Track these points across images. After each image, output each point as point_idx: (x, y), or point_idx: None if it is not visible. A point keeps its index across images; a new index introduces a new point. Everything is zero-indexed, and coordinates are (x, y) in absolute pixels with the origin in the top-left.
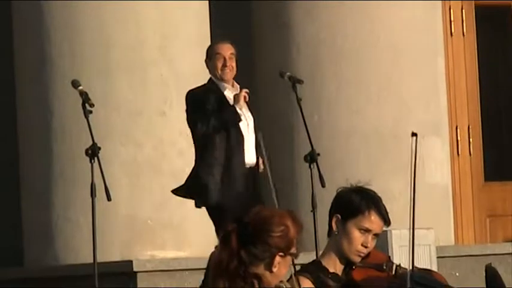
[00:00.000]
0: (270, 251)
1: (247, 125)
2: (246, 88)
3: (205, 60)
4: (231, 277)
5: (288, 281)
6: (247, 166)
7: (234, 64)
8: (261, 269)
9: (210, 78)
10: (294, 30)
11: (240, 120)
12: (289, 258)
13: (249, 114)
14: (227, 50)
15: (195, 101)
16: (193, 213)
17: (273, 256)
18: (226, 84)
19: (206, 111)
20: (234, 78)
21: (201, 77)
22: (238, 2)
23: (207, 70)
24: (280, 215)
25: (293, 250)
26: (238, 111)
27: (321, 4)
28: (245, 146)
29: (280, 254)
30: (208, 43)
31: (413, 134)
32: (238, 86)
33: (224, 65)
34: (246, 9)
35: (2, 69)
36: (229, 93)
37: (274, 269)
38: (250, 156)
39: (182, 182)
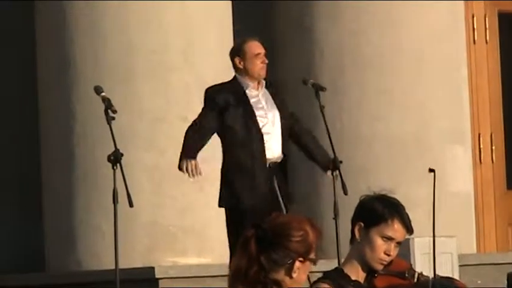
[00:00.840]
0: (290, 255)
1: (271, 122)
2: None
3: (235, 60)
4: (251, 283)
5: None
6: (270, 162)
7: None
8: (281, 275)
9: (235, 76)
10: (317, 35)
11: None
12: (308, 264)
13: (275, 111)
14: (262, 48)
15: (206, 98)
16: (215, 220)
17: (292, 261)
18: (251, 83)
19: (214, 106)
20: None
21: (223, 81)
22: (261, 6)
23: (232, 71)
24: (299, 220)
25: (312, 256)
26: (261, 108)
27: (345, 10)
28: (266, 144)
29: (300, 259)
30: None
31: (431, 170)
32: (263, 83)
33: (263, 63)
34: (268, 13)
35: (25, 74)
36: (251, 91)
37: (294, 275)
38: (273, 152)
39: (203, 187)
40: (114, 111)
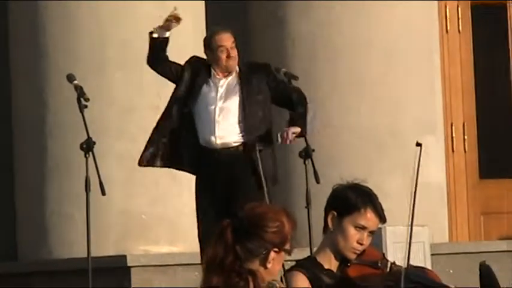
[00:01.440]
0: (265, 246)
1: (219, 107)
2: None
3: (205, 52)
4: (226, 272)
5: (281, 280)
6: (218, 147)
7: (236, 53)
8: (255, 265)
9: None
10: (289, 26)
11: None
12: (283, 254)
13: (235, 97)
14: (229, 40)
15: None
16: (187, 208)
17: (267, 252)
18: (217, 71)
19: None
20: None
21: None
22: None
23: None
24: (275, 211)
25: (287, 246)
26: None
27: (318, 1)
28: (216, 128)
29: (275, 249)
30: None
31: (418, 144)
32: (237, 69)
33: (228, 56)
34: (243, 4)
35: None
36: (215, 78)
37: (269, 265)
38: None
39: (176, 176)
40: (87, 99)
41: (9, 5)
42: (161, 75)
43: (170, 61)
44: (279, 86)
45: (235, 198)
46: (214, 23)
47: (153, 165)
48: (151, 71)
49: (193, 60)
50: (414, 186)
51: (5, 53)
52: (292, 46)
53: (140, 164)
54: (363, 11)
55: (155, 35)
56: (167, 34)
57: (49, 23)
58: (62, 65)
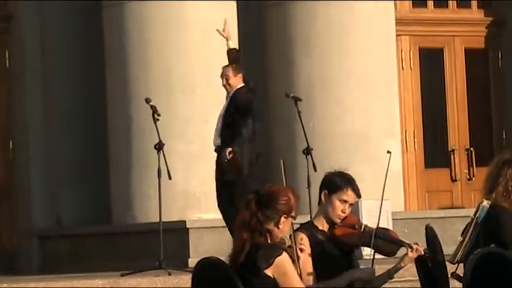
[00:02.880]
0: (278, 213)
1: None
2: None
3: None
4: (252, 230)
5: (289, 237)
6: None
7: (225, 81)
8: (271, 226)
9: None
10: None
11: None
12: (290, 219)
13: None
14: (224, 72)
15: None
16: None
17: (279, 217)
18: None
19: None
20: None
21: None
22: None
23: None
24: (284, 189)
25: (293, 214)
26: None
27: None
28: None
29: (285, 216)
30: None
31: (388, 152)
32: (231, 92)
33: (225, 82)
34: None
35: (98, 89)
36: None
37: (280, 226)
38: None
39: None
40: (159, 115)
41: (104, 46)
42: None
43: None
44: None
45: None
46: None
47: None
48: (203, 95)
49: None
50: (384, 178)
51: (103, 80)
52: (297, 81)
53: None
54: (346, 51)
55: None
56: (230, 44)
57: (132, 60)
58: (142, 91)
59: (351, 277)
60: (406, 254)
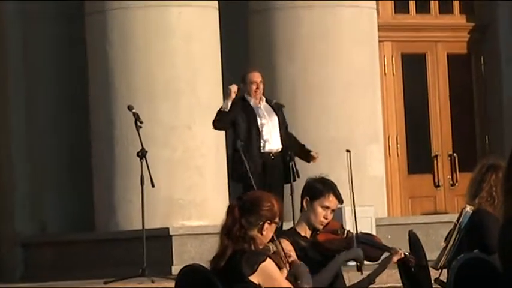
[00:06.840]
0: (261, 219)
1: (268, 122)
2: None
3: (241, 84)
4: (235, 237)
5: (272, 242)
6: (269, 152)
7: (262, 87)
8: (254, 232)
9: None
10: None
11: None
12: (273, 225)
13: (274, 116)
14: (258, 78)
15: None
16: (211, 195)
17: (263, 223)
18: (253, 99)
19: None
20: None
21: (217, 103)
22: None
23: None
24: (268, 195)
25: (276, 220)
26: (260, 113)
27: (302, 50)
28: (265, 137)
29: (268, 222)
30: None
31: (347, 151)
32: (264, 98)
33: (257, 89)
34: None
35: (81, 97)
36: (253, 103)
37: (264, 233)
38: (273, 145)
39: (203, 174)
40: (141, 122)
41: (87, 52)
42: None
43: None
44: None
45: None
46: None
47: None
48: (187, 102)
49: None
50: (350, 180)
51: (86, 88)
52: (280, 88)
53: None
54: (332, 59)
55: (226, 110)
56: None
57: (116, 67)
58: (125, 98)
59: (339, 262)
60: (387, 257)
